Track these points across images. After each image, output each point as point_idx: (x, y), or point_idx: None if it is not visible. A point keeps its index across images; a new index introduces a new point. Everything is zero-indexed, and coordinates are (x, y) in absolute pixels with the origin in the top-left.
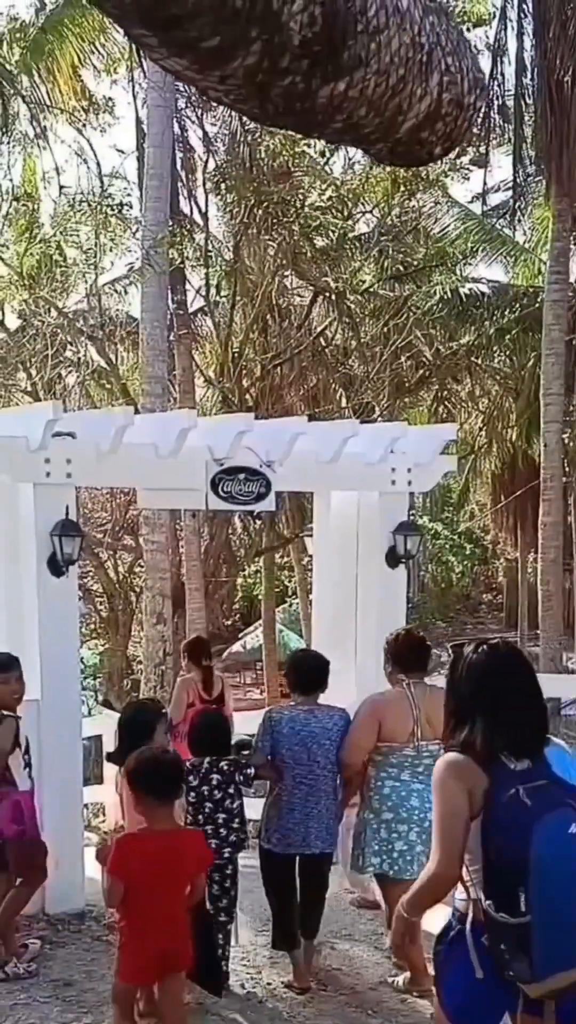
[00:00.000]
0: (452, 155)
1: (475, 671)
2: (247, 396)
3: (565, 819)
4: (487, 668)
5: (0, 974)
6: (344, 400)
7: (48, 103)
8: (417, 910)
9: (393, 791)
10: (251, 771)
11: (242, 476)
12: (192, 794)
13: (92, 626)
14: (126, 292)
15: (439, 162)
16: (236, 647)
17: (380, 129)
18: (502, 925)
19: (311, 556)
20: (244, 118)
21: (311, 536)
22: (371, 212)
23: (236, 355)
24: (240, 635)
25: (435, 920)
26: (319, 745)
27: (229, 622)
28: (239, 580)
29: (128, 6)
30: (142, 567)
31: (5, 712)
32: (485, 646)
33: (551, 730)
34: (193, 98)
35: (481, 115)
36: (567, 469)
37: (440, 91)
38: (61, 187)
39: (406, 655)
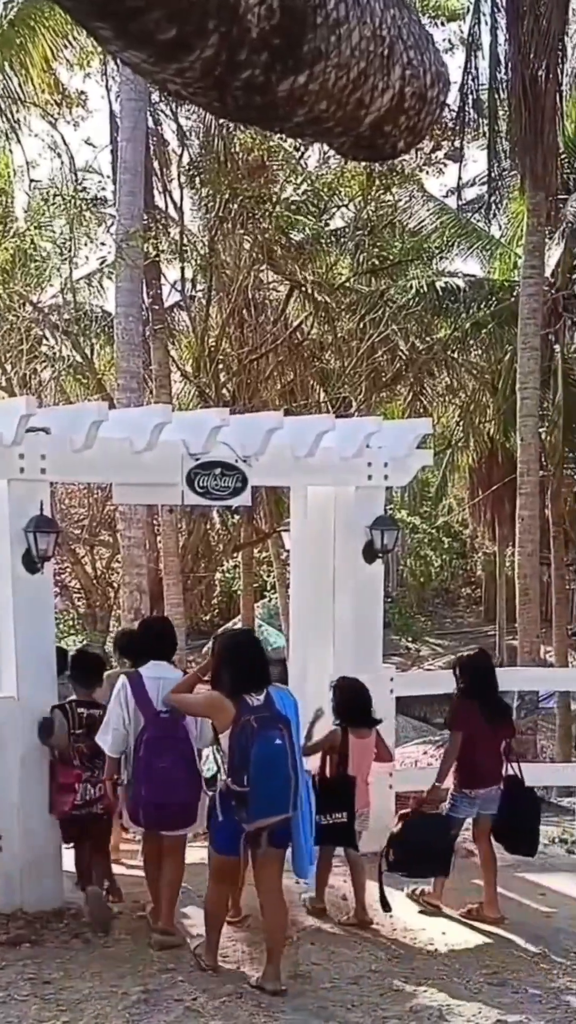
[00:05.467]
0: (425, 149)
1: (224, 645)
2: (224, 391)
3: (273, 735)
4: (229, 643)
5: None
6: (321, 395)
7: (20, 96)
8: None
9: None
10: None
11: (218, 471)
12: None
13: (69, 622)
14: (101, 287)
15: (414, 156)
16: None
17: (342, 123)
18: (234, 792)
19: (289, 551)
20: None
21: (289, 531)
22: (347, 206)
23: (212, 350)
24: (219, 630)
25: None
26: None
27: (208, 617)
28: (218, 575)
29: None
30: (119, 563)
31: None
32: (230, 632)
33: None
34: None
35: (451, 109)
36: (544, 463)
37: (402, 85)
38: (32, 181)
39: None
